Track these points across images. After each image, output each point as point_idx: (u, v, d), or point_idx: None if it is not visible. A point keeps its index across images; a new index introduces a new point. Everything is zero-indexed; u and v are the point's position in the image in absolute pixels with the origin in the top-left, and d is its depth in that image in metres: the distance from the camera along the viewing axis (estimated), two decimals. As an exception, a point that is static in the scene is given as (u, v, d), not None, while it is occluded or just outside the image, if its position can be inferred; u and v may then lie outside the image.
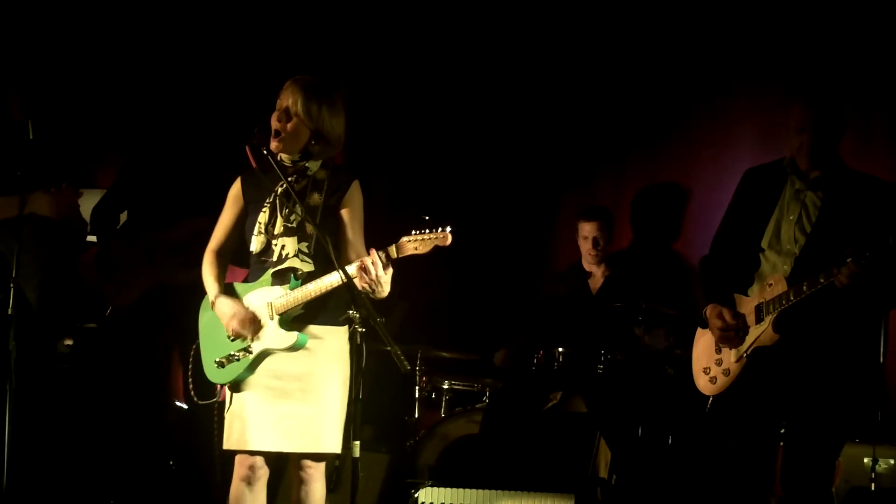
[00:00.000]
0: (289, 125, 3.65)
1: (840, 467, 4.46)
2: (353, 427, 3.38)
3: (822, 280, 3.36)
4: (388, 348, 3.33)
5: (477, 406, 5.29)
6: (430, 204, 5.89)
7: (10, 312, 3.92)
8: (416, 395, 5.37)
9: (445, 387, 5.46)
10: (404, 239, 3.45)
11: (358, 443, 3.36)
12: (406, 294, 5.30)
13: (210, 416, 5.03)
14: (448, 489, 4.28)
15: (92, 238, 5.42)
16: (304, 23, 6.03)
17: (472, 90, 6.01)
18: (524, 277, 5.89)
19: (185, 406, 5.26)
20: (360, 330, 3.36)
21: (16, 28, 5.33)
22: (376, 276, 3.45)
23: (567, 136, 5.94)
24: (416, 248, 3.43)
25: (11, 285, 3.94)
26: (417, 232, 3.44)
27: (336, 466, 4.52)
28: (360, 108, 6.11)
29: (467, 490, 4.28)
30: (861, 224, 3.48)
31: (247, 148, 3.65)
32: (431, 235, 3.42)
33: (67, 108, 5.01)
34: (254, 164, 3.73)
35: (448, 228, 3.41)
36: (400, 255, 3.45)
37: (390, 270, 3.48)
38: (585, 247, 5.39)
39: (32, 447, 4.35)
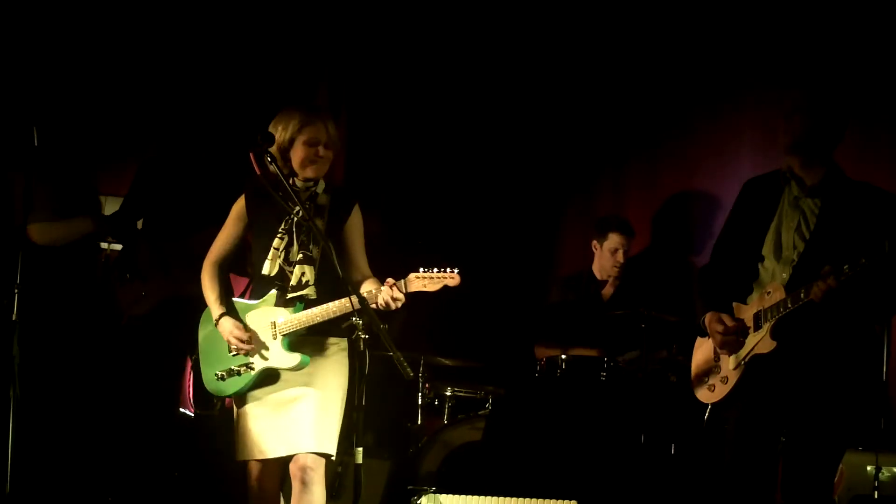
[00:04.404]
0: (327, 155, 3.76)
1: (843, 475, 4.46)
2: (355, 433, 3.40)
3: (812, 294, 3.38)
4: (392, 355, 3.37)
5: (479, 413, 5.29)
6: (430, 213, 5.91)
7: (14, 318, 3.93)
8: (419, 402, 5.37)
9: (448, 394, 5.46)
10: (413, 276, 3.57)
11: (361, 449, 3.38)
12: (408, 302, 5.31)
13: (214, 425, 5.07)
14: (450, 496, 4.28)
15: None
16: (306, 39, 6.05)
17: (474, 100, 6.01)
18: (527, 285, 5.90)
19: (190, 414, 5.28)
20: (363, 336, 3.39)
21: (23, 33, 5.34)
22: (398, 303, 3.60)
23: (569, 144, 5.95)
24: (424, 286, 3.57)
25: (16, 291, 3.96)
26: (425, 270, 3.57)
27: (338, 473, 4.54)
28: (361, 115, 6.13)
29: (469, 497, 4.29)
30: (859, 232, 3.49)
31: (251, 155, 3.68)
32: (441, 275, 3.55)
33: (74, 115, 5.02)
34: (258, 171, 3.75)
35: (456, 270, 3.55)
36: (408, 291, 3.57)
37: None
38: (613, 258, 5.36)
39: (38, 451, 4.36)
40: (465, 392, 5.49)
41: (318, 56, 6.15)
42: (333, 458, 3.76)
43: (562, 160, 5.97)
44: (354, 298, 3.44)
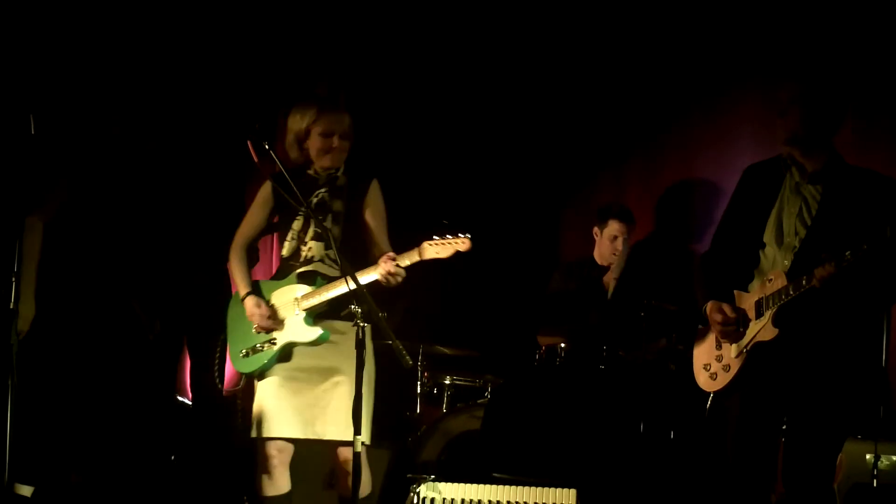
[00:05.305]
0: (344, 145, 3.93)
1: (842, 464, 4.45)
2: (354, 422, 3.41)
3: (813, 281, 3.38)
4: (391, 343, 3.38)
5: (478, 401, 5.29)
6: (433, 205, 5.90)
7: (11, 307, 3.93)
8: (418, 391, 5.38)
9: (447, 382, 5.46)
10: (426, 244, 3.64)
11: (360, 438, 3.40)
12: (408, 290, 5.32)
13: (212, 411, 5.09)
14: (449, 484, 4.29)
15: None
16: (306, 31, 6.04)
17: (475, 92, 6.02)
18: (526, 274, 5.89)
19: (188, 402, 5.29)
20: (362, 325, 3.42)
21: (20, 23, 5.32)
22: (398, 278, 3.68)
23: (570, 134, 5.94)
24: (437, 253, 3.63)
25: (13, 279, 3.95)
26: (439, 238, 3.63)
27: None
28: (361, 107, 6.11)
29: (469, 485, 4.29)
30: (860, 218, 3.48)
31: (248, 143, 3.70)
32: (452, 241, 3.60)
33: (69, 103, 5.01)
34: (255, 159, 3.78)
35: (468, 235, 3.60)
36: (422, 259, 3.65)
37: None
38: (613, 245, 5.37)
39: (36, 441, 4.37)
40: (464, 381, 5.49)
41: (319, 48, 6.13)
42: (367, 443, 3.81)
43: (563, 149, 5.96)
44: (373, 270, 3.62)
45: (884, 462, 4.50)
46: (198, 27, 5.88)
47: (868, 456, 4.52)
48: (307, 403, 3.81)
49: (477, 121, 6.02)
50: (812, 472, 3.51)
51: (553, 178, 6.02)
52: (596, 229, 5.48)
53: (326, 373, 3.82)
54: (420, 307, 5.77)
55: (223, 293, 5.29)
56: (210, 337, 5.18)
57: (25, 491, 4.26)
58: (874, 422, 4.53)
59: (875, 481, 4.47)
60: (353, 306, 3.46)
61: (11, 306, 3.93)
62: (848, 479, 4.51)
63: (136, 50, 5.81)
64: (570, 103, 5.94)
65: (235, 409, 5.30)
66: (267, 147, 3.64)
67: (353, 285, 3.54)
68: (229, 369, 5.65)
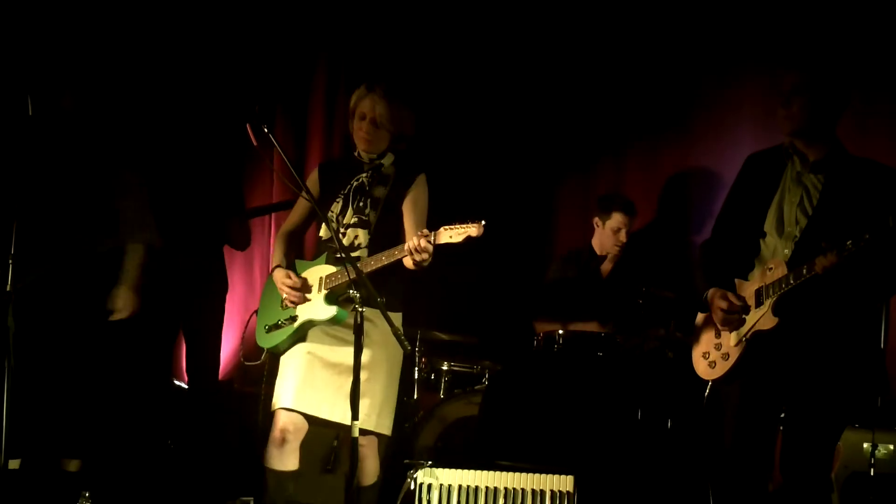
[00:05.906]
0: (375, 133, 3.95)
1: (840, 453, 4.46)
2: (351, 408, 3.41)
3: (816, 269, 3.37)
4: (390, 329, 3.38)
5: (476, 388, 5.28)
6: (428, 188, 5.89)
7: (8, 289, 3.91)
8: (416, 377, 5.38)
9: (445, 368, 5.47)
10: (442, 228, 3.62)
11: (357, 423, 3.39)
12: (407, 276, 5.31)
13: (207, 397, 5.09)
14: (447, 470, 4.29)
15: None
16: (305, 10, 6.03)
17: (474, 76, 6.00)
18: (524, 260, 5.88)
19: (184, 385, 5.29)
20: (360, 310, 3.41)
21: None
22: (425, 255, 3.64)
23: (570, 122, 5.93)
24: (450, 237, 3.61)
25: (10, 261, 3.93)
26: (456, 223, 3.62)
27: (334, 447, 4.56)
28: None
29: (466, 471, 4.29)
30: (862, 207, 3.47)
31: (248, 127, 3.68)
32: (466, 226, 3.58)
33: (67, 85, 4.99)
34: (255, 143, 3.76)
35: (482, 221, 3.57)
36: (436, 243, 3.63)
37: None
38: (615, 237, 5.36)
39: (32, 425, 4.36)
40: (462, 367, 5.50)
41: (318, 28, 6.11)
42: (382, 433, 3.90)
43: (562, 137, 5.94)
44: (395, 251, 3.64)
45: (881, 451, 4.51)
46: (197, 10, 5.86)
47: (865, 445, 4.52)
48: (330, 386, 3.83)
49: (474, 107, 6.00)
50: (810, 461, 3.50)
51: (552, 166, 6.00)
52: (597, 219, 5.45)
53: (349, 359, 3.76)
54: (419, 293, 5.76)
55: (219, 279, 5.31)
56: (205, 321, 5.20)
57: (13, 464, 4.26)
58: (872, 411, 4.53)
59: (872, 470, 4.47)
60: (351, 291, 3.46)
61: (8, 288, 3.92)
62: (845, 467, 4.52)
63: (134, 33, 5.79)
64: (569, 91, 5.92)
65: (232, 393, 5.32)
66: (266, 130, 3.61)
67: (371, 267, 3.65)
68: (226, 350, 5.66)
